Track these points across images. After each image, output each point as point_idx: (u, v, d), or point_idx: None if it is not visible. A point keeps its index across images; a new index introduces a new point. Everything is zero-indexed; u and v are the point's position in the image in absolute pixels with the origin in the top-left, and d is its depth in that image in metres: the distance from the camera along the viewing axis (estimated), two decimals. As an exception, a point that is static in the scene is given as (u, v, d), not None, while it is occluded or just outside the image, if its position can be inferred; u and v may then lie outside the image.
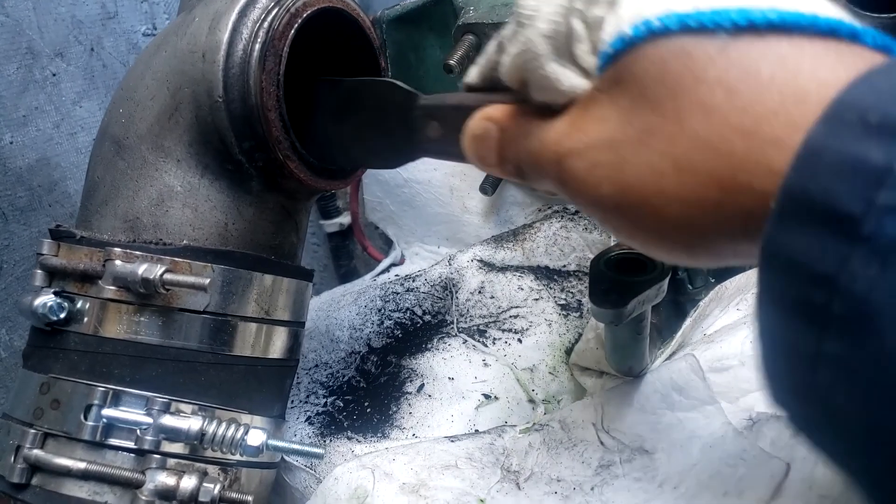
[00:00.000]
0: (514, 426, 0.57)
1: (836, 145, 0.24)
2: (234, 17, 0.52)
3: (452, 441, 0.56)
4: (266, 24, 0.52)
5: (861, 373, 0.23)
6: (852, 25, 0.28)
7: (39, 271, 0.54)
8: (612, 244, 0.57)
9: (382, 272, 0.96)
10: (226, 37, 0.51)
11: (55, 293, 0.53)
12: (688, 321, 0.65)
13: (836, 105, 0.25)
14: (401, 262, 0.97)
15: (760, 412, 0.55)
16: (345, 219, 1.12)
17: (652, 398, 0.57)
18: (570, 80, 0.34)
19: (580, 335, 0.71)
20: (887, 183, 0.22)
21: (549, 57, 0.34)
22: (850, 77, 0.26)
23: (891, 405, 0.22)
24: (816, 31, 0.28)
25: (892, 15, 0.61)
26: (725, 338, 0.64)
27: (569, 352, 0.71)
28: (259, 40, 0.51)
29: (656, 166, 0.31)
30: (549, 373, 0.69)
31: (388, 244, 1.02)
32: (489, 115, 0.39)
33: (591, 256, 0.77)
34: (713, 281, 0.87)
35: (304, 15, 0.53)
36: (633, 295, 0.48)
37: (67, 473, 0.50)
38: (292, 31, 0.52)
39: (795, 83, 0.27)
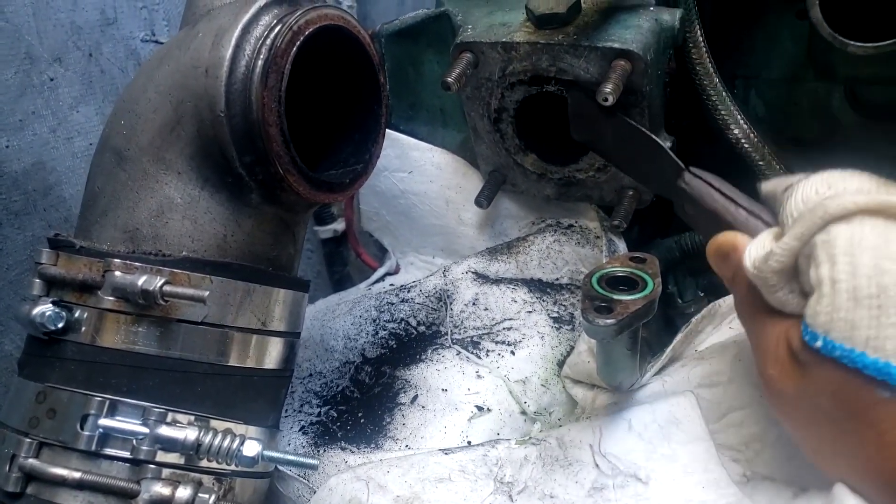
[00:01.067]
0: (509, 439, 0.58)
1: None
2: (237, 33, 0.52)
3: (446, 453, 0.57)
4: (269, 42, 0.53)
5: None
6: None
7: (38, 280, 0.55)
8: (605, 260, 0.58)
9: (377, 281, 0.97)
10: (229, 53, 0.52)
11: (53, 302, 0.53)
12: (679, 336, 0.66)
13: None
14: (396, 271, 0.97)
15: (755, 471, 0.56)
16: (339, 225, 1.13)
17: (650, 427, 0.58)
18: (791, 308, 0.41)
19: (572, 348, 0.72)
20: None
21: (777, 287, 0.41)
22: None
23: None
24: None
25: (876, 44, 0.62)
26: (717, 355, 0.65)
27: (561, 364, 0.71)
28: (262, 57, 0.52)
29: (817, 441, 0.41)
30: (542, 385, 0.70)
31: (382, 251, 1.02)
32: (737, 249, 0.45)
33: (584, 270, 0.78)
34: (702, 295, 0.88)
35: (307, 33, 0.54)
36: (624, 312, 0.49)
37: (63, 483, 0.51)
38: (294, 49, 0.53)
39: None
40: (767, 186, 0.47)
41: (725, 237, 0.47)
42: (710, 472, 0.52)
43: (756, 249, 0.42)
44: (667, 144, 0.63)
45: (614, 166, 0.74)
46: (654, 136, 0.62)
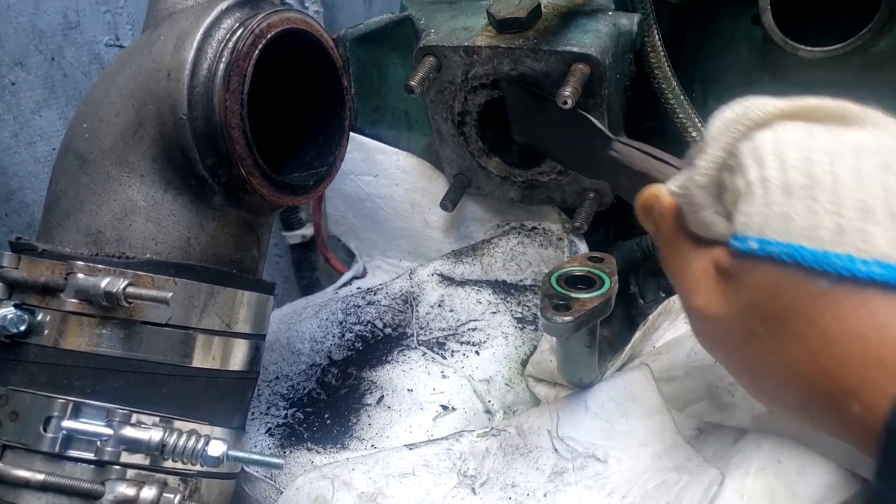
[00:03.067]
0: (472, 430, 0.59)
1: None
2: (199, 36, 0.53)
3: (410, 449, 0.58)
4: (231, 45, 0.53)
5: None
6: None
7: (-1, 284, 0.54)
8: (564, 260, 0.60)
9: (344, 285, 0.97)
10: (191, 56, 0.52)
11: (15, 305, 0.53)
12: (637, 334, 0.68)
13: None
14: (363, 275, 0.98)
15: (707, 422, 0.58)
16: (307, 230, 1.13)
17: (607, 405, 0.59)
18: (716, 229, 0.40)
19: (535, 347, 0.73)
20: None
21: (703, 206, 0.40)
22: None
23: None
24: None
25: (825, 49, 0.65)
26: (673, 350, 0.67)
27: (524, 363, 0.73)
28: (224, 60, 0.53)
29: (754, 362, 0.39)
30: (506, 384, 0.71)
31: (350, 256, 1.03)
32: (659, 197, 0.45)
33: (547, 271, 0.80)
34: (663, 296, 0.91)
35: (269, 36, 0.55)
36: (581, 309, 0.50)
37: (26, 485, 0.51)
38: (256, 52, 0.54)
39: (880, 344, 0.32)
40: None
41: (649, 190, 0.46)
42: (666, 440, 0.54)
43: (680, 176, 0.42)
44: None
45: (556, 160, 0.76)
46: (582, 112, 0.63)
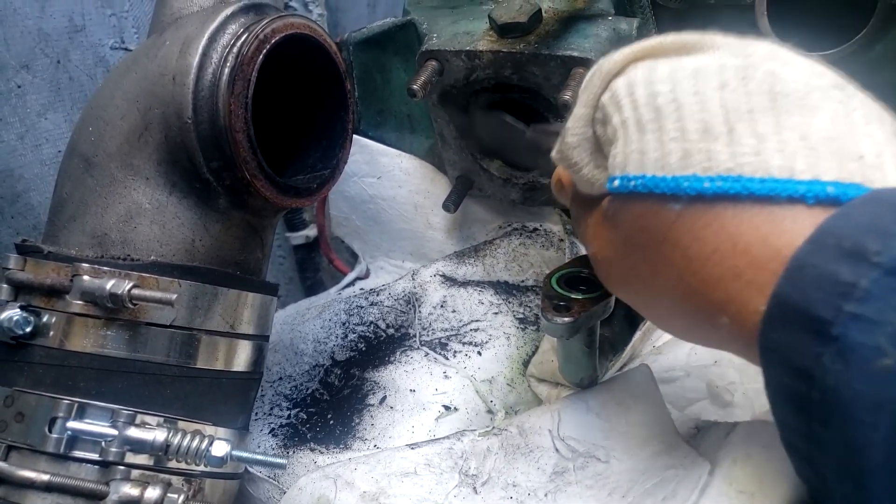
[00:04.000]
0: (474, 430, 0.60)
1: (816, 263, 0.30)
2: (204, 41, 0.53)
3: (412, 448, 0.58)
4: (235, 50, 0.54)
5: (834, 450, 0.29)
6: (791, 189, 0.32)
7: (5, 285, 0.55)
8: (565, 262, 0.60)
9: (347, 286, 0.98)
10: (196, 61, 0.53)
11: (21, 307, 0.54)
12: (637, 334, 0.68)
13: (819, 231, 0.31)
14: (366, 275, 0.99)
15: (705, 420, 0.58)
16: (311, 231, 1.14)
17: (608, 405, 0.60)
18: (600, 183, 0.42)
19: (537, 348, 0.74)
20: (853, 295, 0.28)
21: (581, 164, 0.42)
22: (786, 242, 0.32)
23: (856, 473, 0.29)
24: (757, 198, 0.33)
25: (821, 53, 0.65)
26: (673, 350, 0.68)
27: (526, 364, 0.73)
28: (228, 65, 0.53)
29: (642, 294, 0.43)
30: (507, 384, 0.72)
31: (354, 257, 1.04)
32: (559, 173, 0.49)
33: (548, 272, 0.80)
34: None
35: (273, 41, 0.55)
36: (581, 310, 0.51)
37: (31, 485, 0.51)
38: (261, 57, 0.54)
39: (733, 256, 0.34)
40: None
41: (556, 171, 0.48)
42: (666, 440, 0.54)
43: (558, 142, 0.44)
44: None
45: (506, 162, 0.80)
46: (494, 112, 0.68)
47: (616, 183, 0.37)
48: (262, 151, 0.56)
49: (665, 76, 0.36)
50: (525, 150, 0.60)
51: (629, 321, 0.91)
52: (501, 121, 0.68)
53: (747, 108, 0.34)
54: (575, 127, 0.41)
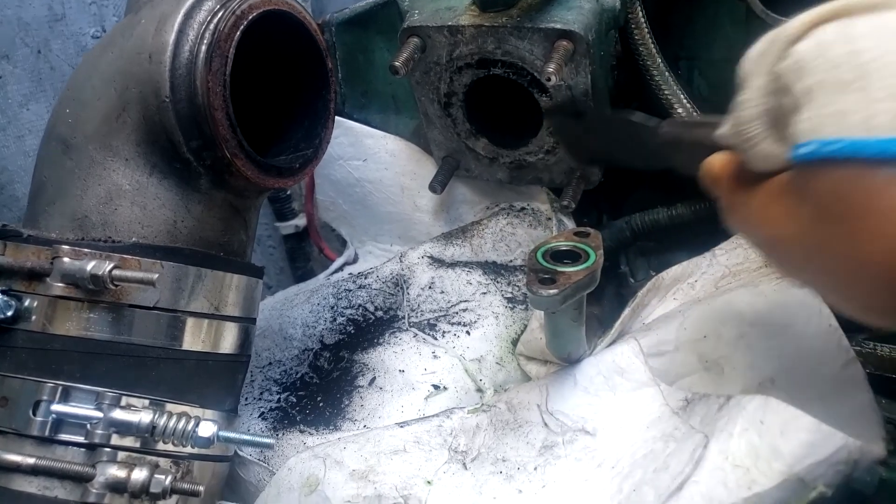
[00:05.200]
0: (463, 408, 0.60)
1: None
2: (180, 18, 0.53)
3: (402, 427, 0.58)
4: (212, 26, 0.53)
5: None
6: None
7: (-16, 271, 0.55)
8: (551, 237, 0.60)
9: (336, 271, 0.98)
10: (172, 38, 0.52)
11: (2, 292, 0.53)
12: (626, 310, 0.68)
13: None
14: (354, 260, 0.98)
15: (695, 392, 0.58)
16: (300, 221, 1.13)
17: (595, 380, 0.60)
18: (779, 156, 0.38)
19: (526, 326, 0.74)
20: None
21: (759, 137, 0.39)
22: None
23: None
24: None
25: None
26: (663, 325, 0.68)
27: (515, 342, 0.73)
28: (205, 42, 0.53)
29: (834, 273, 0.37)
30: (497, 363, 0.72)
31: (344, 245, 1.03)
32: (710, 164, 0.45)
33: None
34: (653, 274, 0.91)
35: (250, 17, 0.55)
36: (566, 282, 0.50)
37: (17, 469, 0.51)
38: (238, 33, 0.54)
39: None
40: None
41: (706, 161, 0.46)
42: (654, 412, 0.54)
43: (727, 121, 0.42)
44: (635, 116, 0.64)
45: (621, 166, 0.77)
46: (620, 112, 0.64)
47: (808, 149, 0.34)
48: (244, 132, 0.56)
49: (868, 31, 0.33)
50: (660, 148, 0.57)
51: (618, 299, 0.91)
52: (627, 121, 0.63)
53: None
54: (752, 98, 0.38)
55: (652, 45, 0.75)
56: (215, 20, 0.54)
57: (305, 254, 1.21)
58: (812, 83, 0.34)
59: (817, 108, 0.34)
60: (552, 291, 0.50)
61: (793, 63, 0.36)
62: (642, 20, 0.74)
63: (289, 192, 1.11)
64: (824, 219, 0.35)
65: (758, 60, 0.38)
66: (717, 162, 0.45)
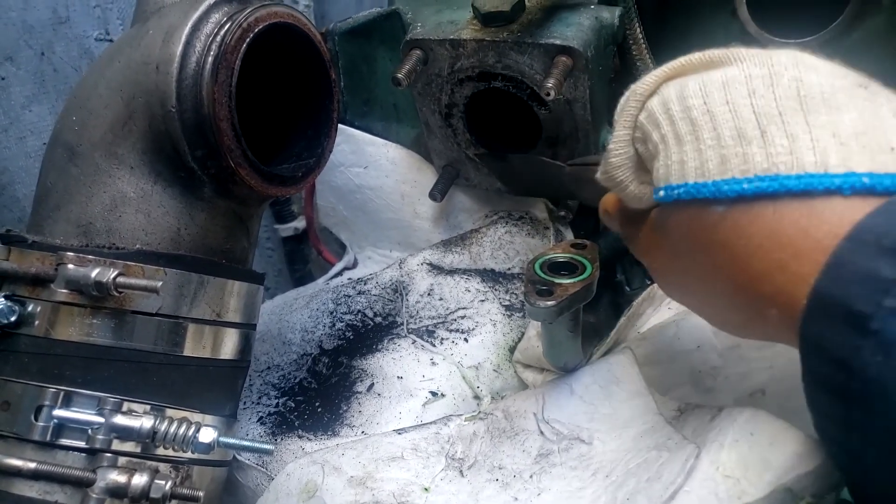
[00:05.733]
0: (461, 415, 0.60)
1: (855, 260, 0.32)
2: (187, 30, 0.54)
3: (399, 433, 0.59)
4: (219, 39, 0.54)
5: (876, 437, 0.31)
6: (827, 182, 0.34)
7: (-11, 276, 0.55)
8: (548, 248, 0.61)
9: (335, 276, 0.98)
10: (179, 49, 0.53)
11: (6, 297, 0.54)
12: (622, 320, 0.69)
13: (858, 229, 0.32)
14: (353, 265, 0.99)
15: (688, 403, 0.59)
16: (300, 223, 1.14)
17: (591, 389, 0.61)
18: (647, 198, 0.44)
19: (523, 334, 0.75)
20: (892, 291, 0.29)
21: (626, 182, 0.45)
22: (827, 233, 0.33)
23: None
24: (795, 194, 0.34)
25: (798, 41, 0.66)
26: (657, 335, 0.69)
27: (512, 350, 0.74)
28: (212, 53, 0.53)
29: (698, 295, 0.44)
30: (494, 370, 0.72)
31: (343, 248, 1.04)
32: (605, 201, 0.52)
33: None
34: (649, 283, 0.92)
35: (256, 30, 0.55)
36: (564, 294, 0.51)
37: (18, 473, 0.51)
38: (244, 46, 0.55)
39: (777, 250, 0.35)
40: None
41: (602, 199, 0.52)
42: (648, 421, 0.55)
43: (601, 165, 0.46)
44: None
45: (549, 199, 0.85)
46: (533, 155, 0.73)
47: (661, 193, 0.39)
48: (248, 141, 0.56)
49: (696, 90, 0.38)
50: (567, 184, 0.63)
51: (614, 308, 0.92)
52: (539, 161, 0.72)
53: (777, 111, 0.35)
54: (617, 148, 0.44)
55: (649, 61, 0.76)
56: (222, 32, 0.54)
57: (304, 256, 1.22)
58: (661, 134, 0.40)
59: (664, 157, 0.39)
60: (549, 303, 0.51)
61: (647, 116, 0.41)
62: (640, 36, 0.76)
63: (286, 196, 1.12)
64: (679, 251, 0.42)
65: (621, 112, 0.43)
66: (608, 200, 0.51)
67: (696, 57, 0.40)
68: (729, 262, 0.37)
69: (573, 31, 0.68)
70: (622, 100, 0.43)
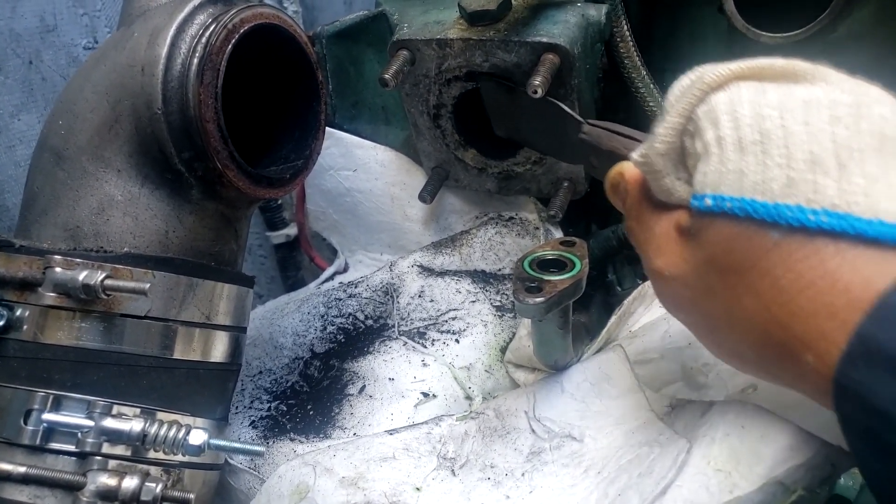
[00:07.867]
0: (452, 414, 0.60)
1: None
2: (172, 32, 0.54)
3: (391, 434, 0.59)
4: (204, 40, 0.54)
5: None
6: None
7: (-24, 281, 0.55)
8: (537, 246, 0.61)
9: (327, 280, 0.98)
10: (164, 51, 0.53)
11: (-7, 302, 0.54)
12: (613, 318, 0.69)
13: None
14: (345, 269, 0.99)
15: (680, 399, 0.59)
16: (291, 230, 1.14)
17: (582, 386, 0.61)
18: (678, 194, 0.41)
19: (514, 334, 0.75)
20: None
21: (664, 172, 0.41)
22: (884, 286, 0.31)
23: None
24: (863, 239, 0.32)
25: (786, 35, 0.67)
26: (648, 333, 0.69)
27: (503, 350, 0.74)
28: (197, 55, 0.54)
29: (713, 318, 0.40)
30: (485, 371, 0.72)
31: (335, 254, 1.04)
32: (623, 173, 0.47)
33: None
34: (640, 282, 0.92)
35: (241, 31, 0.56)
36: (552, 290, 0.51)
37: (7, 478, 0.51)
38: (229, 47, 0.55)
39: (830, 293, 0.33)
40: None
41: (615, 168, 0.47)
42: (640, 418, 0.55)
43: (642, 146, 0.43)
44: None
45: (534, 149, 0.77)
46: (551, 99, 0.65)
47: (708, 202, 0.36)
48: (236, 143, 0.56)
49: (775, 101, 0.35)
50: (579, 144, 0.58)
51: (605, 308, 0.92)
52: (555, 106, 0.65)
53: (858, 146, 0.33)
54: (666, 135, 0.40)
55: (637, 58, 0.77)
56: (207, 34, 0.55)
57: (296, 263, 1.21)
58: (718, 136, 0.37)
59: (718, 162, 0.36)
60: (538, 300, 0.51)
61: (707, 110, 0.38)
62: (627, 33, 0.76)
63: (280, 202, 1.12)
64: (714, 267, 0.38)
65: (679, 97, 0.40)
66: (628, 173, 0.46)
67: (778, 63, 0.37)
68: (769, 293, 0.35)
69: (560, 28, 0.68)
70: (682, 84, 0.39)
